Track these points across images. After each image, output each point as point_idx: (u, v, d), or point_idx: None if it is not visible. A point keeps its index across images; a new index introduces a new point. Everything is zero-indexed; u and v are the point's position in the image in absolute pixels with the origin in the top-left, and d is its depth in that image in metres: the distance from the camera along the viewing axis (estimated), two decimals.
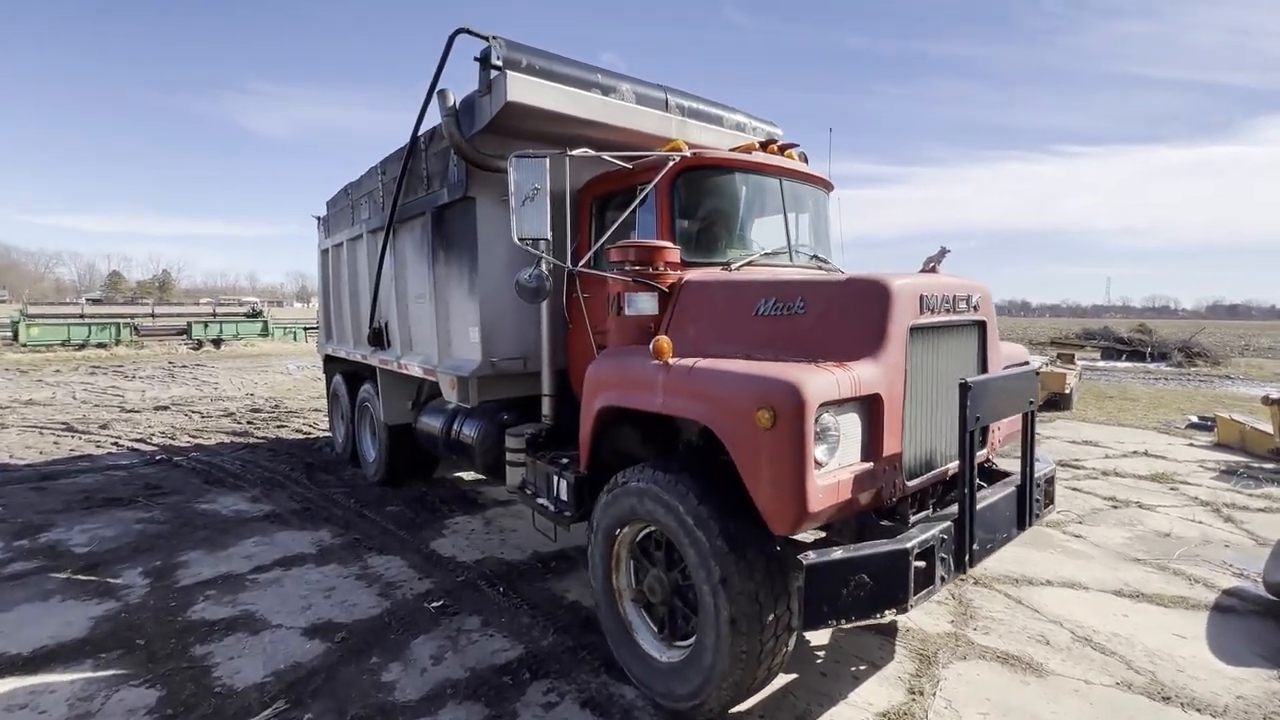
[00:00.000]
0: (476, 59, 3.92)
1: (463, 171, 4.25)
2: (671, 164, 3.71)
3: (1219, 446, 8.65)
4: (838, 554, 2.33)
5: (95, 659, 3.33)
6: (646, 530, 3.09)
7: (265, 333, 26.03)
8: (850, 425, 2.57)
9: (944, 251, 3.20)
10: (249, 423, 10.19)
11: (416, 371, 5.29)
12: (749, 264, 3.73)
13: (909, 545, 2.41)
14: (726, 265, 3.71)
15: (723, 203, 4.03)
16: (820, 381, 2.40)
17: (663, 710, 2.91)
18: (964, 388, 2.61)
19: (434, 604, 3.95)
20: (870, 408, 2.63)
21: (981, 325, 3.30)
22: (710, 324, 3.17)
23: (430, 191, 4.79)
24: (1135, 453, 8.21)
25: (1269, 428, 8.18)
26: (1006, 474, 3.39)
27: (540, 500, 4.05)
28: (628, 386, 3.04)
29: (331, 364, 7.98)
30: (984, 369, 3.31)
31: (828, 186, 4.49)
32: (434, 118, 4.34)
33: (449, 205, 4.57)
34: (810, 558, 2.29)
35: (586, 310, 3.74)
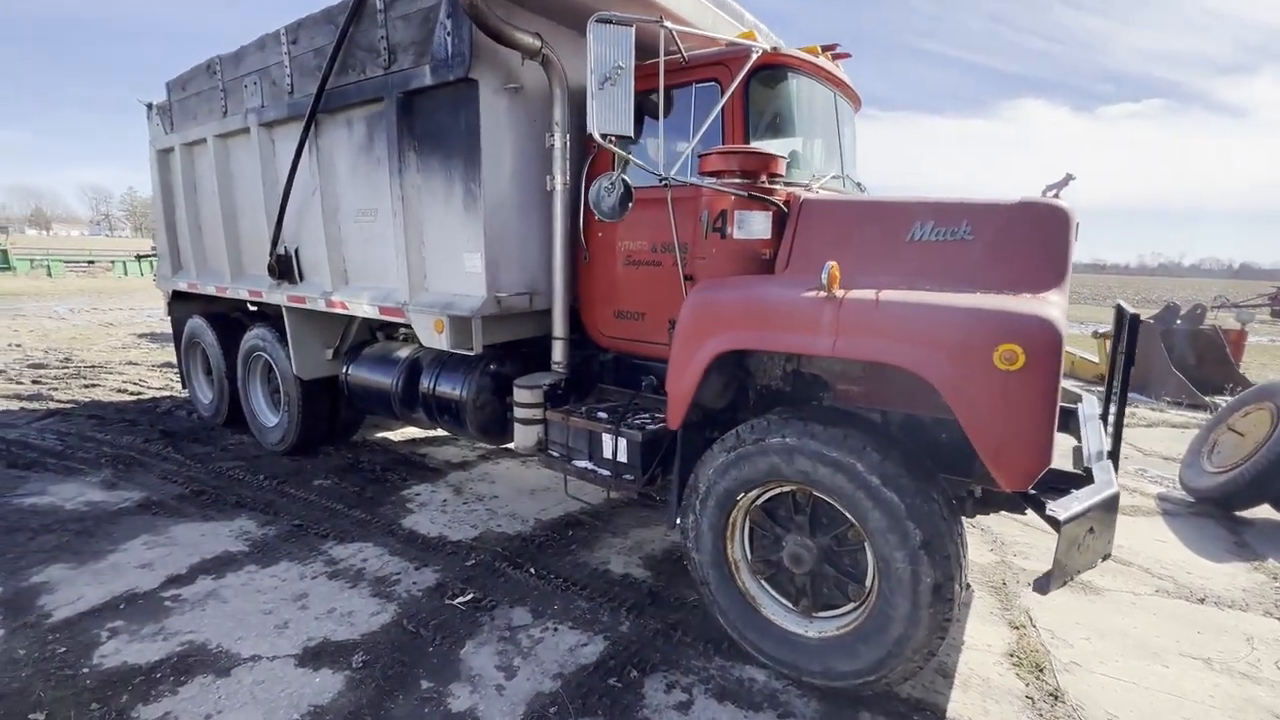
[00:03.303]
0: None
1: (465, 42, 3.20)
2: (754, 58, 3.09)
3: None
4: (1078, 505, 2.11)
5: None
6: (774, 493, 2.66)
7: (7, 265, 20.05)
8: None
9: (1069, 178, 3.04)
10: (36, 382, 7.68)
11: (366, 311, 4.14)
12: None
13: (1116, 489, 2.28)
14: (808, 186, 3.25)
15: (787, 111, 3.51)
16: (1060, 314, 2.10)
17: (813, 689, 2.58)
18: (1135, 319, 2.51)
19: (459, 599, 3.17)
20: None
21: None
22: (847, 251, 2.71)
23: (393, 70, 3.60)
24: None
25: (1095, 358, 9.83)
26: None
27: (580, 463, 3.40)
28: (769, 325, 2.50)
29: (183, 303, 6.15)
30: None
31: (859, 105, 4.16)
32: None
33: (429, 90, 3.47)
34: (1059, 513, 2.05)
35: (677, 231, 3.05)
